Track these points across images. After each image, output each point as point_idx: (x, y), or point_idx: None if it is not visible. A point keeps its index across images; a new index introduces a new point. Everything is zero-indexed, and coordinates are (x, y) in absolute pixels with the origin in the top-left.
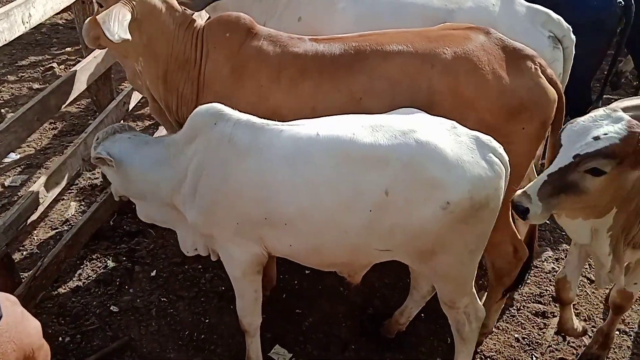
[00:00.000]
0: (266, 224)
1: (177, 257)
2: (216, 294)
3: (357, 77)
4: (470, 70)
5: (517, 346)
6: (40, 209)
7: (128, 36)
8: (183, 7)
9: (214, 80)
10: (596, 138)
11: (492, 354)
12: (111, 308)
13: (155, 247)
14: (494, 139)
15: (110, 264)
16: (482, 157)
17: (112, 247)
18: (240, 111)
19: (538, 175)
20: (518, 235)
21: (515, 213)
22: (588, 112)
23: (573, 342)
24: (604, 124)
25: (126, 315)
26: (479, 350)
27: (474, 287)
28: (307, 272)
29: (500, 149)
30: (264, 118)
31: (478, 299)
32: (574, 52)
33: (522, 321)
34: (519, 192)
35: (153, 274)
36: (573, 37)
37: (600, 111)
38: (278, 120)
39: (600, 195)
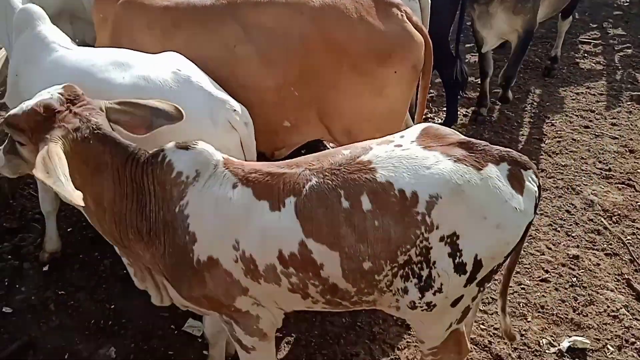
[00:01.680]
0: None
1: (70, 248)
2: (119, 279)
3: (230, 26)
4: (339, 16)
5: None
6: None
7: None
8: None
9: None
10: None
11: None
12: (4, 310)
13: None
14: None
15: None
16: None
17: None
18: None
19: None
20: None
21: None
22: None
23: None
24: (46, 92)
25: (22, 315)
26: None
27: None
28: None
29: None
30: None
31: None
32: (429, 3)
33: None
34: None
35: (45, 268)
36: None
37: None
38: None
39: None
